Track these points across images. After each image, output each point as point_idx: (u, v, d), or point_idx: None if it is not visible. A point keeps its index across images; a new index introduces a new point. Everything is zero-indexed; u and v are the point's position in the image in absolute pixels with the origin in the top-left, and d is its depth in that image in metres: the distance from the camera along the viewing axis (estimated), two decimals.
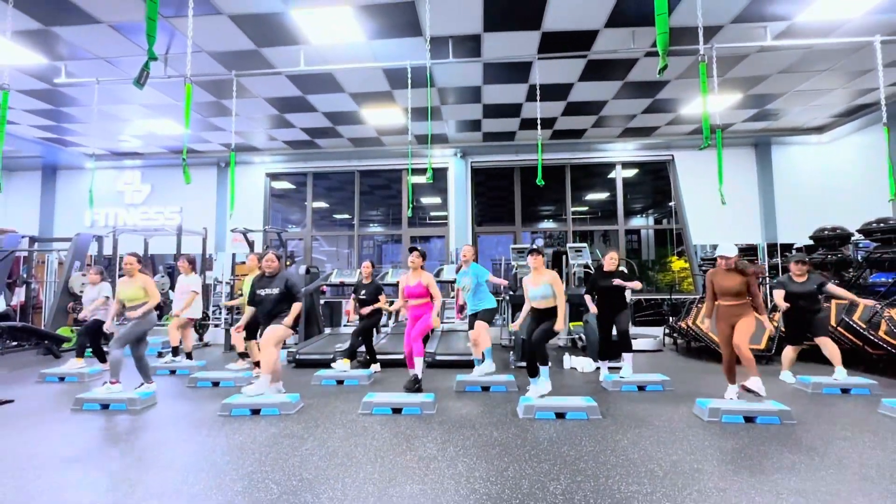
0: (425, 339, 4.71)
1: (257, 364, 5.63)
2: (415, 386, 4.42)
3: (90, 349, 5.66)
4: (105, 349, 5.86)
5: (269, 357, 4.23)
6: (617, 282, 5.00)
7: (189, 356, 6.27)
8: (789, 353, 5.10)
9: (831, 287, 4.89)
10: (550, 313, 4.28)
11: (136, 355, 4.61)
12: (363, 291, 5.69)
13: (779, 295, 4.99)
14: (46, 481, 2.77)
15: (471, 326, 5.18)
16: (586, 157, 10.70)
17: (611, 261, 5.16)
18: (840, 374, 4.71)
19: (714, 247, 9.91)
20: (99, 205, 11.04)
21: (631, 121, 9.02)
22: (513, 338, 6.98)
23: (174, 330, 6.14)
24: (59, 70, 6.46)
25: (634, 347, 6.77)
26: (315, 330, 8.26)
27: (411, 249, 4.67)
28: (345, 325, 9.10)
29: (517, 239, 10.97)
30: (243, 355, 5.98)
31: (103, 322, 5.51)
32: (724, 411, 3.74)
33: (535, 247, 4.59)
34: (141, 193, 11.37)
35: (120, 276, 5.87)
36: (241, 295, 6.14)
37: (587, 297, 5.18)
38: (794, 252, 8.93)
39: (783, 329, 5.72)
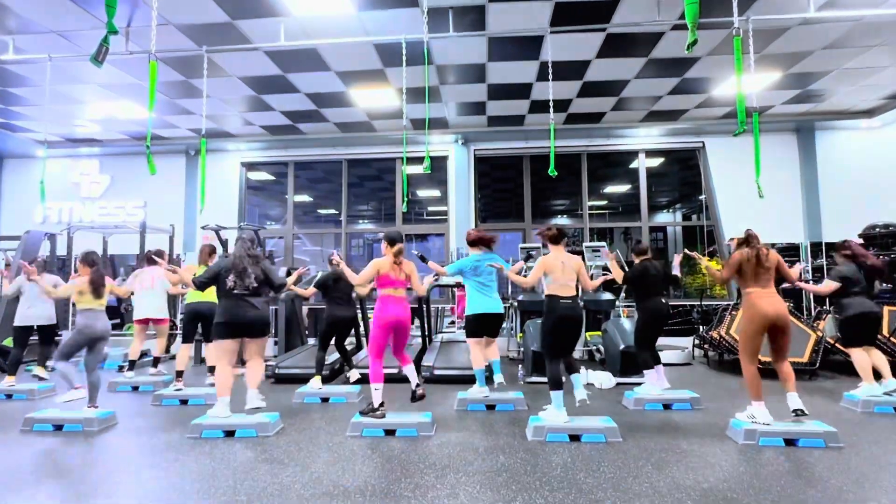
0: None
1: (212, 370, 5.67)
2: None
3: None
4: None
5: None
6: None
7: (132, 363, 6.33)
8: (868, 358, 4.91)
9: None
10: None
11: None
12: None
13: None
14: None
15: (495, 329, 5.14)
16: (605, 144, 10.70)
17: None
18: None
19: None
20: (51, 198, 11.01)
21: (656, 103, 9.02)
22: (521, 349, 6.99)
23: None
24: (6, 45, 6.45)
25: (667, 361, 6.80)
26: (297, 341, 8.26)
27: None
28: None
29: (526, 237, 10.97)
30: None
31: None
32: (761, 433, 3.74)
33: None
34: (99, 185, 11.37)
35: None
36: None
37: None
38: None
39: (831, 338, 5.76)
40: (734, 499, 2.83)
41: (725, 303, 8.61)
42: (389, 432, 4.04)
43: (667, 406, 4.79)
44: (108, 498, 2.93)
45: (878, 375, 4.81)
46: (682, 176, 12.20)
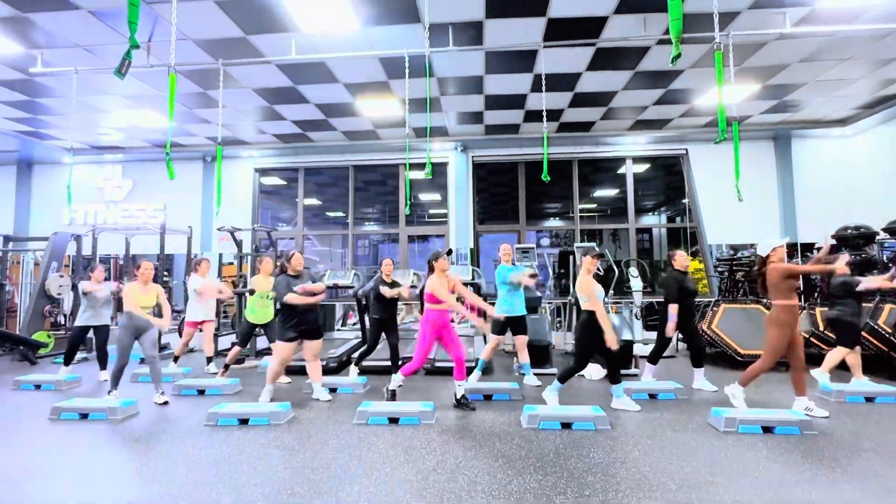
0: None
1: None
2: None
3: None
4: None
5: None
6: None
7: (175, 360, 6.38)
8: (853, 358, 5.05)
9: None
10: None
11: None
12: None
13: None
14: (21, 495, 2.77)
15: (523, 328, 5.40)
16: (595, 151, 10.70)
17: (683, 260, 5.24)
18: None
19: (732, 247, 9.89)
20: (77, 202, 11.04)
21: (642, 113, 9.02)
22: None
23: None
24: (35, 59, 6.46)
25: (646, 353, 6.79)
26: None
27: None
28: (338, 330, 9.11)
29: (521, 238, 10.97)
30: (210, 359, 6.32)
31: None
32: (740, 421, 3.74)
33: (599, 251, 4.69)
34: (122, 190, 11.38)
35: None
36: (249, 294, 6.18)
37: (673, 308, 5.06)
38: (817, 251, 8.90)
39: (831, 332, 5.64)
40: (715, 482, 2.84)
41: (707, 299, 8.62)
42: (393, 420, 4.04)
43: (652, 396, 4.80)
44: (131, 482, 2.93)
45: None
46: (667, 181, 12.20)
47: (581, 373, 5.89)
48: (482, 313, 4.89)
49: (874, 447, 3.38)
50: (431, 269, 4.62)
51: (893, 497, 2.63)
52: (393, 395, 4.56)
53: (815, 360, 5.98)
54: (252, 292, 5.82)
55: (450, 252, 4.72)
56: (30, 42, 6.13)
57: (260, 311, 5.79)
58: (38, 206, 11.57)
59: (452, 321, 4.94)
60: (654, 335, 7.50)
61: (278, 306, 4.98)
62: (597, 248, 4.55)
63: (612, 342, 4.15)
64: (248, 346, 6.74)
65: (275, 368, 4.69)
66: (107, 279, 6.08)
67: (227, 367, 5.72)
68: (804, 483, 2.82)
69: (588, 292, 4.34)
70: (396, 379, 4.60)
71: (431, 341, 4.54)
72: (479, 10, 5.59)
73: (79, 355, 6.38)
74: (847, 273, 5.02)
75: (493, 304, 5.54)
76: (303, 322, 4.69)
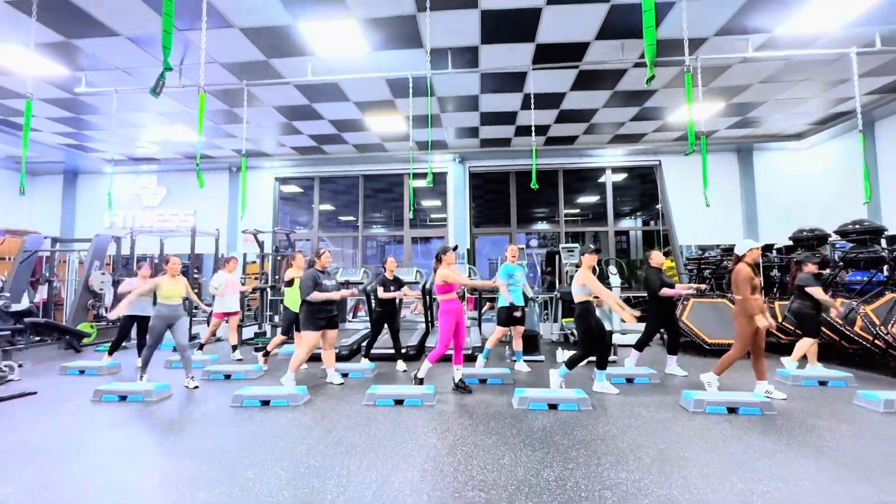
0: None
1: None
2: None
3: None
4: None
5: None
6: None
7: (201, 348, 6.35)
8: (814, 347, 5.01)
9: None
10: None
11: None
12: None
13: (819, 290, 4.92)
14: (67, 469, 2.76)
15: (521, 320, 5.36)
16: (578, 162, 10.70)
17: (659, 258, 5.17)
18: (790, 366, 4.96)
19: (700, 247, 9.88)
20: (117, 207, 11.06)
21: (620, 128, 9.02)
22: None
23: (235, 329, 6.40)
24: (79, 80, 6.46)
25: (624, 342, 6.80)
26: None
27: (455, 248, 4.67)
28: (349, 321, 9.10)
29: (513, 240, 10.97)
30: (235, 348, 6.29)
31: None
32: (708, 402, 3.74)
33: (594, 246, 4.59)
34: (157, 196, 11.37)
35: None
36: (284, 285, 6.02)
37: (667, 290, 5.02)
38: (777, 252, 8.89)
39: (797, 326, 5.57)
40: (685, 457, 2.84)
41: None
42: (398, 402, 4.03)
43: (629, 380, 4.79)
44: (166, 456, 2.93)
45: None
46: (642, 188, 12.20)
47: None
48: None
49: (827, 426, 3.38)
50: (439, 262, 4.48)
51: (844, 470, 2.63)
52: (420, 382, 4.45)
53: (773, 347, 6.00)
54: (289, 283, 5.62)
55: (455, 248, 4.62)
56: (75, 65, 6.13)
57: (297, 299, 5.64)
58: (82, 211, 11.56)
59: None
60: (630, 326, 7.53)
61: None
62: (592, 246, 4.49)
63: (628, 318, 4.04)
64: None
65: (301, 356, 4.53)
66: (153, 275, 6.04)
67: (267, 353, 5.60)
68: (764, 457, 2.82)
69: (587, 281, 4.24)
70: (424, 367, 4.47)
71: (451, 328, 4.38)
72: (475, 37, 5.59)
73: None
74: (814, 271, 4.98)
75: (492, 299, 5.52)
76: (328, 313, 4.64)
